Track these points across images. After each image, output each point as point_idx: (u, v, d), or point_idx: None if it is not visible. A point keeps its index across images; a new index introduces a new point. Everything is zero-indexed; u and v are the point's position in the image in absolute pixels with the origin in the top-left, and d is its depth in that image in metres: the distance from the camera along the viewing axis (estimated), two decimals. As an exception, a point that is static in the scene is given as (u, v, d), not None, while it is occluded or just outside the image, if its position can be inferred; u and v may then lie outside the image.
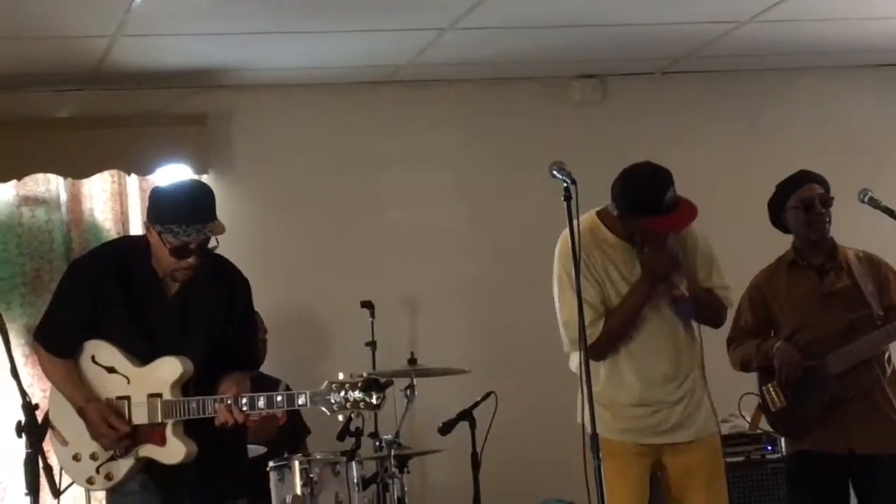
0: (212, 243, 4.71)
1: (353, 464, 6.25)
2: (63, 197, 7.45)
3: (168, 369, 4.70)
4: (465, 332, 7.64)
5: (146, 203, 7.39)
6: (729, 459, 6.78)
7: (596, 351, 5.06)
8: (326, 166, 7.80)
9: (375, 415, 6.93)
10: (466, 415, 6.62)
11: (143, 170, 7.50)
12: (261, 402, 4.65)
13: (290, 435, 6.90)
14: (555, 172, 4.72)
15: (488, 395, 6.61)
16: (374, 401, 4.55)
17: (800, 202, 5.74)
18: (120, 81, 7.40)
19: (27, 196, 7.44)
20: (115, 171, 7.49)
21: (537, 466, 7.28)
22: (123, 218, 7.49)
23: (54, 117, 7.51)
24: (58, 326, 4.84)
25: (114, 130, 7.45)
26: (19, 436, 4.39)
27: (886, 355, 5.74)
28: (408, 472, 6.52)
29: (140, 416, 4.73)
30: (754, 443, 6.86)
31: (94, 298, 4.75)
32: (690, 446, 5.20)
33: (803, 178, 5.80)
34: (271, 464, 6.27)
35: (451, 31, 7.02)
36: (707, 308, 5.26)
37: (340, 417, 4.61)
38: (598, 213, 5.21)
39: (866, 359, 5.64)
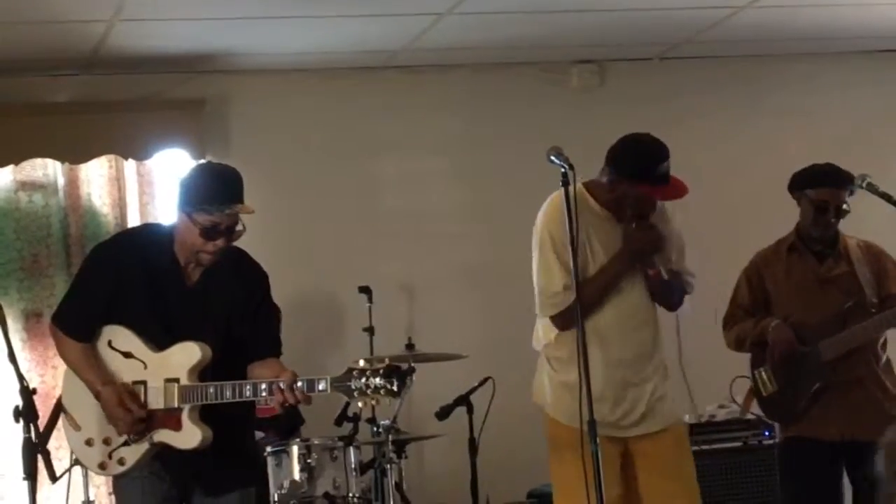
0: (238, 227, 4.73)
1: (351, 449, 6.27)
2: (60, 182, 7.45)
3: (186, 354, 4.68)
4: (462, 318, 7.65)
5: (143, 187, 7.53)
6: (726, 445, 6.84)
7: (563, 319, 5.06)
8: (323, 151, 7.80)
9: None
10: (464, 400, 6.63)
11: (140, 154, 7.50)
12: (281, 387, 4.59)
13: (285, 422, 6.90)
14: (552, 158, 4.73)
15: (486, 380, 6.62)
16: (394, 388, 4.48)
17: (818, 201, 5.72)
18: (117, 66, 7.39)
19: (24, 181, 7.44)
20: (112, 156, 7.49)
21: (534, 451, 7.26)
22: (121, 203, 7.49)
23: (52, 102, 7.51)
24: (78, 310, 4.82)
25: (111, 115, 7.45)
26: (17, 421, 4.39)
27: (881, 342, 5.74)
28: (405, 457, 6.53)
29: (156, 401, 4.69)
30: (751, 428, 6.86)
31: (115, 283, 4.74)
32: (657, 436, 5.14)
33: (832, 180, 5.72)
34: (269, 449, 6.28)
35: (448, 16, 7.01)
36: (671, 290, 5.17)
37: (360, 404, 4.54)
38: (586, 184, 5.13)
39: (859, 346, 5.64)
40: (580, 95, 8.07)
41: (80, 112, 7.45)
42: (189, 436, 4.67)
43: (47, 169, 7.46)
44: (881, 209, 5.62)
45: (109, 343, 4.76)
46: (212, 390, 4.63)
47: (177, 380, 4.66)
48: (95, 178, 7.49)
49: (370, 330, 7.25)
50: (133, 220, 7.49)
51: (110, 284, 4.74)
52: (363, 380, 4.48)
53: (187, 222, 4.67)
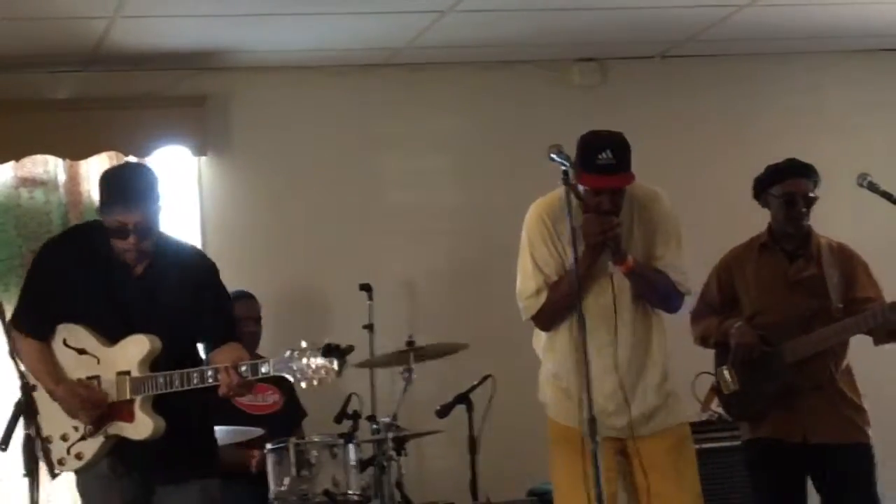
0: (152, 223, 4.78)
1: (351, 446, 6.26)
2: (61, 178, 7.45)
3: (136, 347, 4.77)
4: (463, 315, 7.64)
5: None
6: (704, 446, 6.79)
7: (540, 320, 5.12)
8: (325, 148, 7.80)
9: (373, 397, 6.96)
10: (464, 398, 6.63)
11: (141, 151, 7.50)
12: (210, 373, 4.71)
13: (287, 418, 6.91)
14: (553, 156, 4.74)
15: (486, 378, 6.62)
16: (335, 366, 4.59)
17: (783, 195, 5.73)
18: (118, 63, 7.39)
19: (25, 177, 7.44)
20: (113, 153, 7.48)
21: (534, 449, 7.27)
22: (122, 199, 7.48)
23: (53, 98, 7.51)
24: (32, 308, 4.92)
25: (112, 112, 7.45)
26: (17, 417, 4.40)
27: (847, 347, 5.72)
28: (405, 454, 6.53)
29: (110, 395, 4.80)
30: (729, 429, 6.80)
31: (61, 279, 4.84)
32: (656, 437, 5.13)
33: (792, 171, 5.77)
34: (268, 446, 6.28)
35: (450, 14, 7.01)
36: (653, 287, 5.11)
37: (304, 385, 4.61)
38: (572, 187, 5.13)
39: (822, 350, 5.63)
40: (581, 93, 8.06)
41: (82, 108, 7.45)
42: (141, 426, 4.76)
43: (48, 165, 7.46)
44: (882, 208, 5.61)
45: (64, 342, 4.87)
46: (161, 380, 4.72)
47: (128, 372, 4.76)
48: (96, 174, 7.41)
49: (370, 327, 7.25)
50: (134, 217, 7.49)
51: (56, 280, 4.84)
52: (304, 360, 4.58)
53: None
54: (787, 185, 5.73)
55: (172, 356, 4.81)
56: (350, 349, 4.70)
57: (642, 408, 5.11)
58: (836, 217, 5.85)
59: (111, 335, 4.81)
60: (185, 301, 4.83)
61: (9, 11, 6.52)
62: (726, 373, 5.77)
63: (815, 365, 5.63)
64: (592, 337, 4.82)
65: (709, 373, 5.87)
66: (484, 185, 7.91)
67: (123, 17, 6.68)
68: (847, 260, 5.78)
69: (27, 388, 4.34)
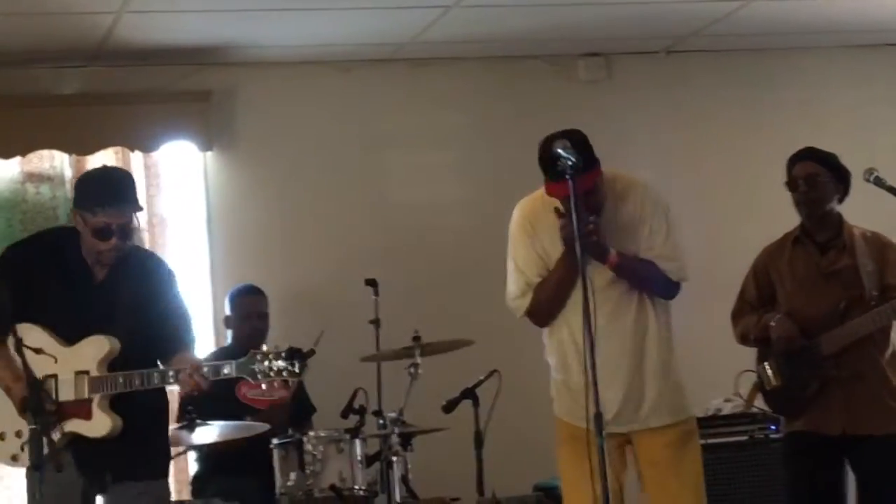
0: (133, 224, 4.94)
1: (357, 441, 6.27)
2: (68, 173, 7.46)
3: (95, 347, 4.85)
4: (468, 311, 7.63)
5: (150, 179, 7.54)
6: (732, 439, 6.82)
7: (532, 320, 5.16)
8: (330, 144, 7.80)
9: (379, 393, 6.96)
10: (470, 393, 6.63)
11: (147, 146, 7.51)
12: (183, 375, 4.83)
13: (295, 413, 6.91)
14: (559, 150, 4.72)
15: (492, 373, 6.62)
16: (296, 369, 4.76)
17: (787, 184, 5.74)
18: (124, 58, 7.39)
19: (32, 173, 7.45)
20: (119, 148, 7.49)
21: (540, 445, 7.27)
22: (128, 195, 7.49)
23: (59, 94, 7.51)
24: None
25: (118, 107, 7.46)
26: (24, 412, 4.42)
27: (889, 335, 5.72)
28: (411, 449, 6.53)
29: (67, 393, 4.86)
30: (757, 422, 6.85)
31: (24, 282, 4.90)
32: (658, 431, 5.12)
33: (797, 157, 5.77)
34: (275, 441, 6.28)
35: (455, 9, 7.01)
36: (641, 278, 5.07)
37: (264, 386, 4.82)
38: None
39: (861, 339, 5.62)
40: (587, 88, 8.06)
41: (87, 104, 7.46)
42: (99, 424, 4.83)
43: (54, 160, 7.47)
44: (889, 203, 5.61)
45: (21, 341, 4.83)
46: (121, 380, 4.82)
47: (87, 372, 4.83)
48: (103, 170, 7.50)
49: (376, 322, 7.24)
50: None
51: (20, 283, 4.88)
52: (266, 363, 4.75)
53: (82, 224, 4.90)
54: (793, 170, 5.74)
55: (129, 360, 4.90)
56: (311, 353, 4.90)
57: (640, 403, 5.10)
58: (842, 211, 5.83)
59: (69, 337, 4.89)
60: (144, 307, 4.94)
61: (15, 7, 6.53)
62: (768, 368, 5.76)
63: (856, 354, 5.60)
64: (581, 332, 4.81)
65: (751, 370, 5.87)
66: (488, 180, 7.90)
67: (129, 12, 6.68)
68: (882, 248, 5.75)
69: (34, 383, 4.38)
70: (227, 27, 7.13)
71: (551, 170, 4.85)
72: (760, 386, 5.85)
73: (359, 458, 6.26)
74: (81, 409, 4.84)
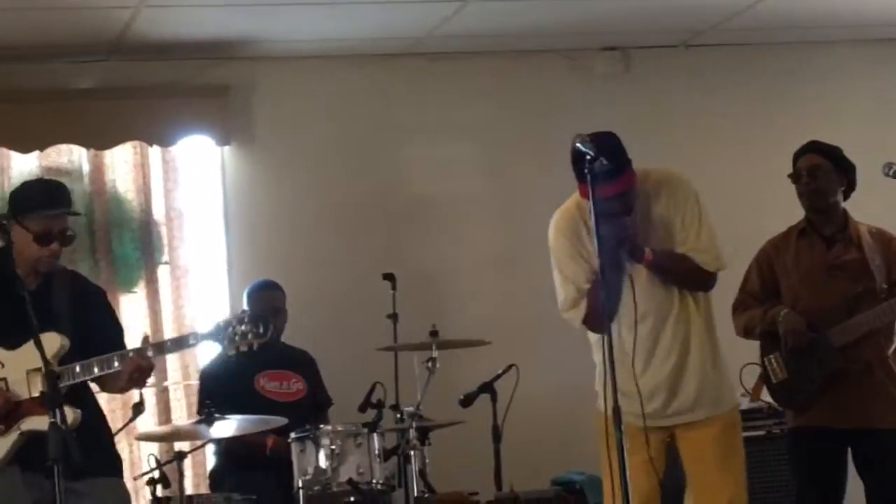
0: (69, 232, 5.03)
1: (375, 435, 6.26)
2: (86, 168, 7.47)
3: (48, 343, 4.78)
4: (486, 305, 7.64)
5: (168, 174, 7.55)
6: (748, 434, 6.79)
7: (589, 327, 5.15)
8: (347, 138, 7.80)
9: (397, 387, 6.96)
10: (488, 387, 6.62)
11: (165, 141, 7.52)
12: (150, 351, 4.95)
13: (312, 406, 6.92)
14: (579, 144, 4.71)
15: (510, 367, 6.61)
16: (260, 331, 4.84)
17: (792, 175, 5.75)
18: (142, 52, 7.40)
19: (50, 167, 7.45)
20: (137, 143, 7.51)
21: (558, 439, 7.29)
22: (146, 189, 7.51)
23: (77, 88, 7.53)
24: None
25: (136, 101, 7.48)
26: (41, 405, 4.43)
27: (894, 328, 5.71)
28: (429, 443, 6.53)
29: (21, 393, 4.90)
30: (774, 417, 6.82)
31: None
32: (702, 423, 5.13)
33: (802, 150, 5.80)
34: (293, 435, 6.28)
35: (473, 3, 7.01)
36: (677, 274, 5.10)
37: (232, 351, 4.86)
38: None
39: (869, 333, 5.61)
40: (605, 83, 8.05)
41: (105, 98, 7.48)
42: None
43: (72, 155, 7.49)
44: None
45: None
46: (78, 368, 4.89)
47: (39, 369, 4.78)
48: (120, 164, 7.51)
49: (394, 317, 7.24)
50: (157, 206, 7.53)
51: None
52: (229, 329, 4.85)
53: (22, 231, 4.95)
54: (796, 164, 5.75)
55: (74, 360, 4.92)
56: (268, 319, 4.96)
57: (684, 397, 5.11)
58: (860, 206, 5.81)
59: (10, 344, 4.92)
60: (78, 317, 5.00)
61: (34, 1, 6.55)
62: (774, 361, 5.75)
63: (864, 347, 5.60)
64: (630, 331, 4.94)
65: (754, 363, 5.85)
66: (506, 174, 7.90)
67: (147, 6, 6.69)
68: (888, 243, 5.75)
69: (52, 376, 4.39)
70: (245, 22, 7.13)
71: (579, 170, 4.83)
72: (766, 379, 5.84)
73: (376, 452, 6.25)
74: (37, 405, 4.81)
